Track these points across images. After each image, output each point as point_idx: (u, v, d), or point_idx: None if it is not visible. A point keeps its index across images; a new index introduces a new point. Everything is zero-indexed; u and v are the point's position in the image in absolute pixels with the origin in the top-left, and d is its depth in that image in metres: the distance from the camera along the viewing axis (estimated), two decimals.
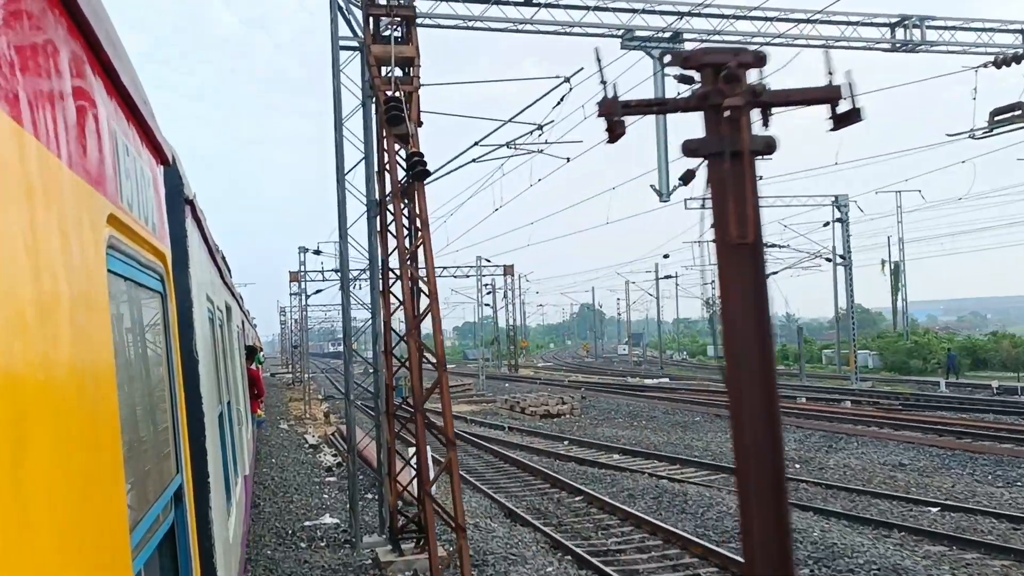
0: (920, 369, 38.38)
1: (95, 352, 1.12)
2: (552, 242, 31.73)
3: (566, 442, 18.32)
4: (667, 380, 37.23)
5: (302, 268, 29.88)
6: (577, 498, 12.08)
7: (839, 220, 31.82)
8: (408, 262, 8.19)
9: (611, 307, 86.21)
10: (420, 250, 8.17)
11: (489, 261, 39.95)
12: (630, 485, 12.75)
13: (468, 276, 39.45)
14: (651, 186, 14.39)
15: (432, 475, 8.32)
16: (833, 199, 31.80)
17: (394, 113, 7.86)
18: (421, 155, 7.89)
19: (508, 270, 43.52)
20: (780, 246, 34.62)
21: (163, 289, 1.94)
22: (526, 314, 63.02)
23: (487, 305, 41.76)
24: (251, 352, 13.07)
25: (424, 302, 8.27)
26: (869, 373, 37.61)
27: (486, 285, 41.55)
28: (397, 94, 7.97)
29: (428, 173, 8.00)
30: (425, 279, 8.19)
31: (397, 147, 8.24)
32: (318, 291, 32.81)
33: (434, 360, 8.14)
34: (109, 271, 1.27)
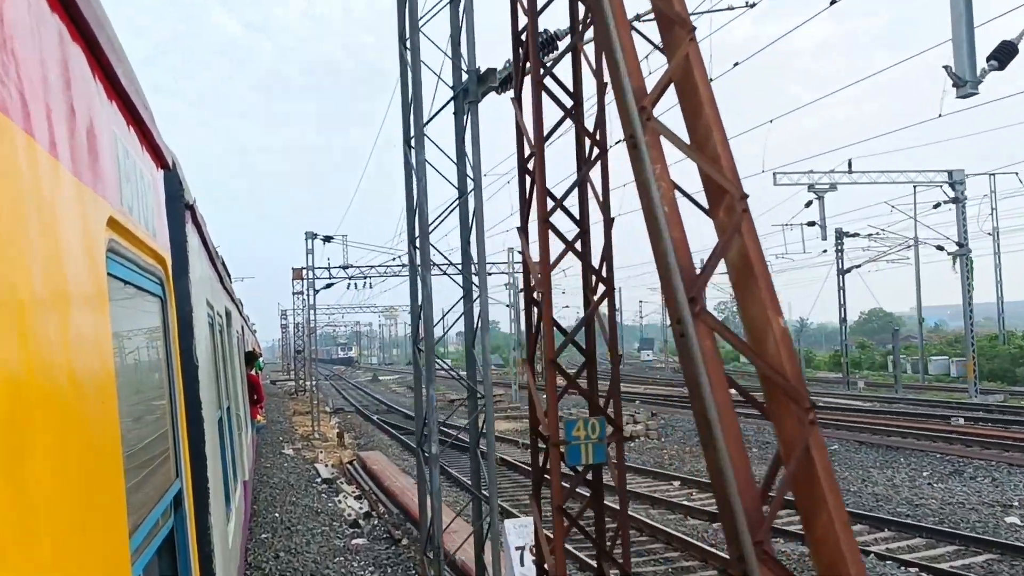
0: None
1: (95, 354, 1.27)
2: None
3: (676, 483, 15.31)
4: (732, 391, 36.84)
5: (309, 255, 30.49)
6: None
7: (954, 200, 30.94)
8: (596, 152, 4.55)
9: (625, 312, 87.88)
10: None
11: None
12: None
13: (490, 274, 39.82)
14: (945, 68, 12.26)
15: None
16: (947, 175, 30.92)
17: None
18: None
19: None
20: (859, 234, 33.95)
21: (163, 293, 2.23)
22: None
23: (508, 305, 42.22)
24: (250, 358, 13.88)
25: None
26: (956, 382, 36.73)
27: (507, 284, 42.00)
28: None
29: None
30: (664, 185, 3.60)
31: None
32: (328, 285, 33.61)
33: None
34: (109, 274, 1.45)
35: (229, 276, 8.66)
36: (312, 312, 31.31)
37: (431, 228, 6.29)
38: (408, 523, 12.23)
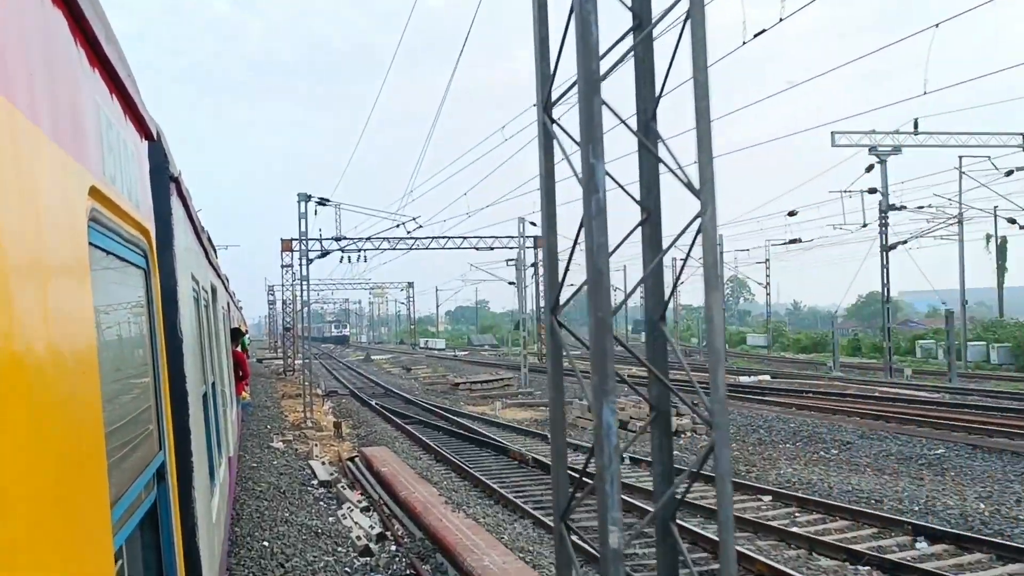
0: None
1: (76, 324, 1.36)
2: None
3: (768, 497, 12.72)
4: (768, 377, 37.01)
5: (302, 219, 30.54)
6: None
7: None
8: None
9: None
10: None
11: (535, 224, 39.76)
12: None
13: (492, 248, 39.71)
14: None
15: None
16: (1021, 136, 30.43)
17: None
18: None
19: (540, 242, 44.08)
20: (905, 207, 33.78)
21: (146, 265, 2.39)
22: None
23: (511, 283, 42.76)
24: (236, 334, 14.28)
25: None
26: (999, 369, 36.49)
27: (510, 260, 42.26)
28: None
29: None
30: None
31: None
32: (324, 253, 33.75)
33: None
34: (91, 244, 1.56)
35: (215, 251, 8.99)
36: (305, 284, 31.20)
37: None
38: (437, 553, 9.80)
